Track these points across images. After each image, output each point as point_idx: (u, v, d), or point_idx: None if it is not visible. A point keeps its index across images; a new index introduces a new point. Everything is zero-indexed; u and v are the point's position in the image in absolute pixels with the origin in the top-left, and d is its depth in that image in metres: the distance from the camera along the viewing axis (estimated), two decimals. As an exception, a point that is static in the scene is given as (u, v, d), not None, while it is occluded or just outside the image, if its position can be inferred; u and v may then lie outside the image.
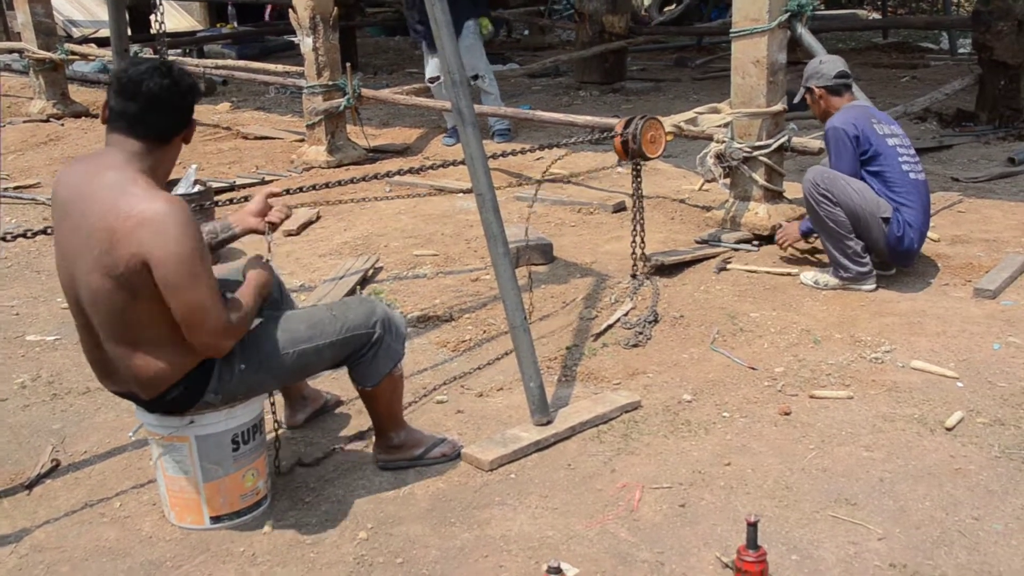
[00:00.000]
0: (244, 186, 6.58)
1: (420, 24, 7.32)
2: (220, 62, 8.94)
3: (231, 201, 4.30)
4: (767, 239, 4.89)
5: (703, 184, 5.90)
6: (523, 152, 4.50)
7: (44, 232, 3.54)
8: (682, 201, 5.80)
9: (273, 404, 3.07)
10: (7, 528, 2.79)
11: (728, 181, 5.10)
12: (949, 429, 3.12)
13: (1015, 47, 7.15)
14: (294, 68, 7.61)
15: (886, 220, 4.12)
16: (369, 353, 2.83)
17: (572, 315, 4.24)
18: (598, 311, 4.26)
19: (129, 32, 6.06)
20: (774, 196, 5.02)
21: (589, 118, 5.84)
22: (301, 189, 4.11)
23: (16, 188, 6.75)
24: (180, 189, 5.08)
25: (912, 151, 4.32)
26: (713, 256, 4.78)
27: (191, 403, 2.61)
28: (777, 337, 3.88)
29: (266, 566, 2.57)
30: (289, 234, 5.50)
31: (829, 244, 4.26)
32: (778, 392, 3.44)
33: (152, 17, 7.36)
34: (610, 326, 4.09)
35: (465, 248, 5.12)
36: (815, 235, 4.46)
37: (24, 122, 8.81)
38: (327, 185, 4.26)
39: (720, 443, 3.11)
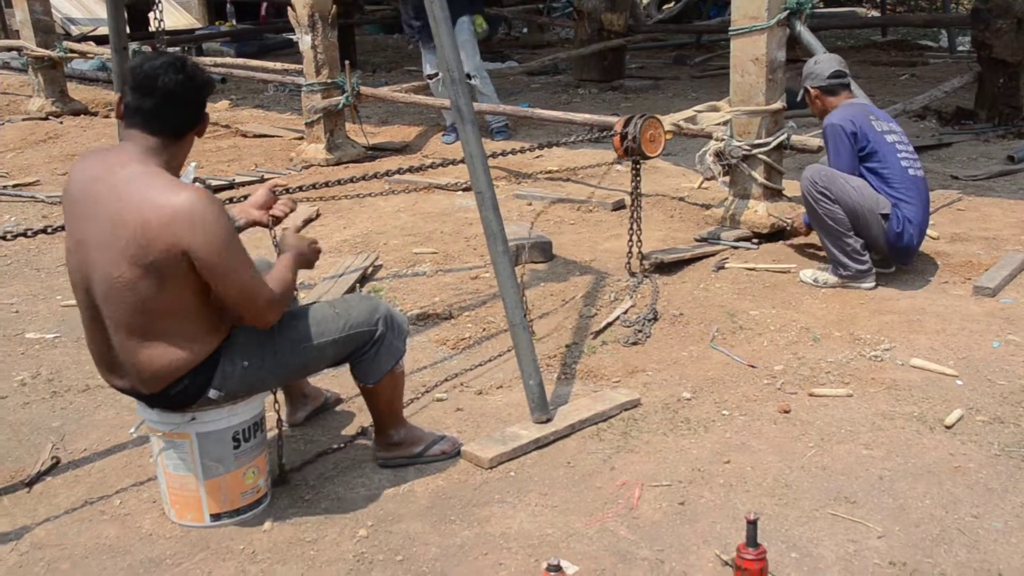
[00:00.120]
0: (243, 184, 6.58)
1: (415, 20, 7.32)
2: (219, 60, 8.93)
3: (230, 200, 4.30)
4: (766, 237, 4.89)
5: (702, 182, 5.90)
6: (522, 151, 4.50)
7: (44, 231, 3.54)
8: (681, 199, 5.80)
9: (277, 403, 3.06)
10: (7, 526, 2.79)
11: (727, 179, 5.10)
12: (948, 427, 3.12)
13: (1014, 45, 7.15)
14: (293, 66, 7.61)
15: (885, 217, 4.13)
16: (371, 350, 2.83)
17: (571, 313, 4.24)
18: (597, 309, 4.26)
19: (128, 30, 6.05)
20: (773, 194, 5.02)
21: (588, 116, 5.85)
22: (300, 187, 4.11)
23: (15, 186, 6.74)
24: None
25: (910, 148, 4.32)
26: (712, 254, 4.78)
27: (194, 399, 2.61)
28: (776, 335, 3.88)
29: (266, 564, 2.57)
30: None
31: (828, 242, 4.26)
32: (777, 390, 3.45)
33: (151, 15, 7.36)
34: (609, 324, 4.09)
35: (464, 246, 5.12)
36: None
37: (23, 120, 8.80)
38: (326, 183, 4.26)
39: (719, 441, 3.11)
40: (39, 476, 3.06)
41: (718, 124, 4.98)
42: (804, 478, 2.87)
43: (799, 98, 4.62)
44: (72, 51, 9.34)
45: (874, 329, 3.86)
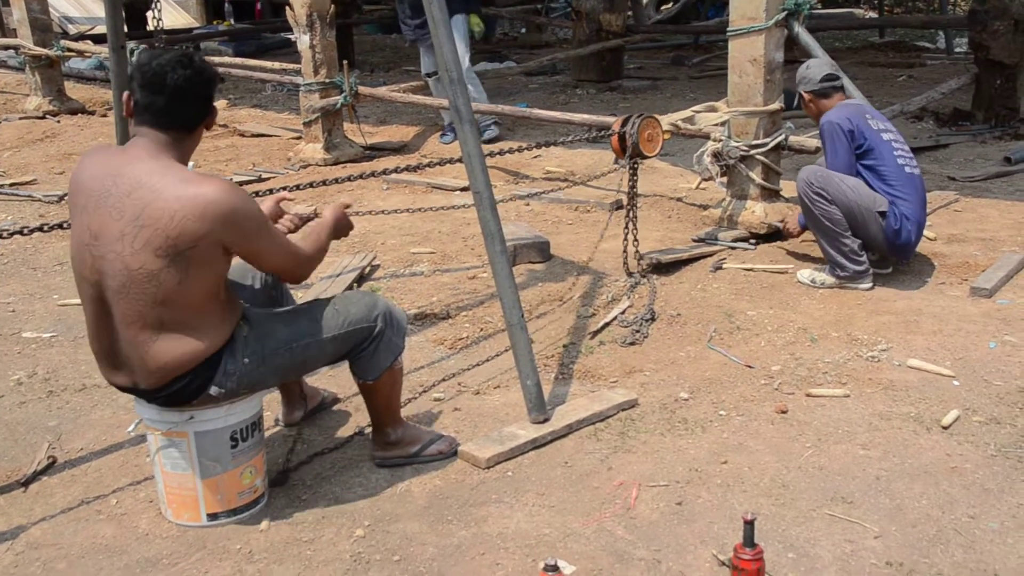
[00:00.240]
0: (241, 184, 6.57)
1: (411, 19, 7.32)
2: (217, 59, 8.91)
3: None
4: (764, 238, 4.89)
5: (700, 182, 5.91)
6: (520, 150, 4.50)
7: (40, 229, 3.53)
8: (679, 199, 5.81)
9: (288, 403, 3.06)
10: (3, 525, 2.79)
11: (725, 180, 5.11)
12: (945, 427, 3.12)
13: (1011, 46, 7.16)
14: (291, 65, 7.60)
15: (883, 214, 4.13)
16: (370, 347, 2.84)
17: (569, 313, 4.24)
18: (595, 309, 4.26)
19: (126, 29, 6.04)
20: (771, 195, 5.03)
21: (586, 116, 5.84)
22: (298, 187, 4.11)
23: (12, 185, 6.73)
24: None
25: (906, 147, 4.34)
26: (710, 254, 4.78)
27: (195, 395, 2.61)
28: (774, 335, 3.88)
29: (263, 563, 2.56)
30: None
31: (825, 243, 4.26)
32: (775, 390, 3.45)
33: (149, 14, 7.35)
34: (607, 324, 4.09)
35: (462, 246, 5.12)
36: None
37: (20, 119, 8.79)
38: (324, 183, 4.26)
39: (717, 441, 3.11)
40: (35, 475, 3.05)
41: (716, 124, 4.98)
42: (801, 478, 2.87)
43: (796, 102, 4.63)
44: (70, 50, 9.33)
45: (871, 330, 3.87)
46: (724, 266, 4.62)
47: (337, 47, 7.12)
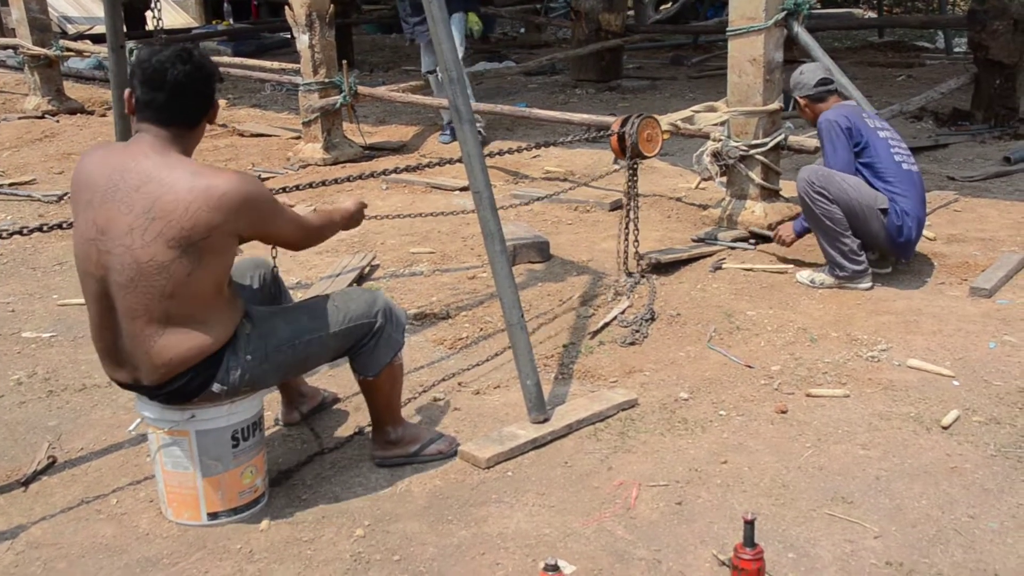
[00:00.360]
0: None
1: (412, 16, 7.32)
2: (216, 59, 8.90)
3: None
4: (763, 238, 4.89)
5: (700, 182, 5.91)
6: (519, 150, 4.50)
7: (40, 229, 3.53)
8: (679, 199, 5.81)
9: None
10: (3, 525, 2.78)
11: (724, 179, 5.11)
12: (945, 428, 3.12)
13: (1011, 46, 7.17)
14: (290, 65, 7.60)
15: (884, 211, 4.14)
16: (371, 343, 2.85)
17: (569, 313, 4.24)
18: (595, 309, 4.27)
19: (124, 29, 6.04)
20: (770, 194, 5.03)
21: (586, 116, 5.85)
22: (298, 187, 4.10)
23: (11, 185, 6.73)
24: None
25: (903, 145, 4.35)
26: (710, 254, 4.79)
27: (196, 393, 2.61)
28: (774, 335, 3.88)
29: (263, 563, 2.56)
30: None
31: (825, 243, 4.26)
32: (775, 390, 3.45)
33: (148, 13, 7.35)
34: (607, 324, 4.09)
35: (462, 246, 5.12)
36: (809, 232, 4.46)
37: (19, 118, 8.78)
38: (323, 183, 4.26)
39: (717, 441, 3.11)
40: (35, 475, 3.05)
41: (715, 124, 4.99)
42: (801, 478, 2.87)
43: (791, 106, 4.63)
44: (68, 49, 9.33)
45: (871, 330, 3.87)
46: (724, 266, 4.62)
47: (336, 47, 7.12)
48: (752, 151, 4.89)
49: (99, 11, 10.03)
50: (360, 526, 2.71)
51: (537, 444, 3.11)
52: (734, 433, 3.16)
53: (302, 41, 6.92)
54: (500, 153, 4.51)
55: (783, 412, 3.28)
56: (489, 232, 3.25)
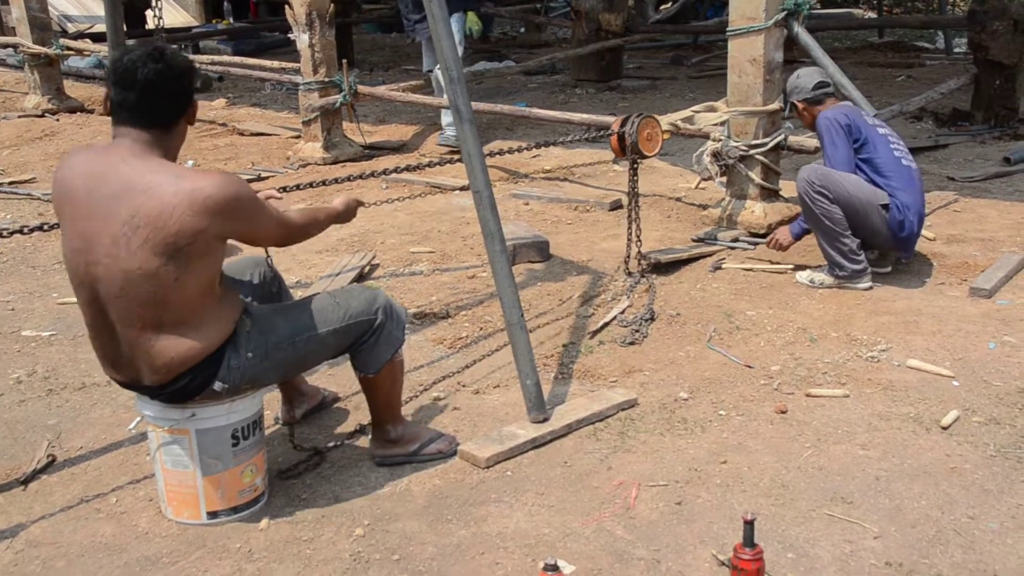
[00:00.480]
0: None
1: (413, 14, 7.31)
2: (216, 58, 8.92)
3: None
4: (763, 237, 4.89)
5: (699, 182, 5.91)
6: (520, 150, 4.50)
7: (40, 228, 3.53)
8: (678, 199, 5.81)
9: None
10: (3, 524, 2.78)
11: (724, 179, 5.11)
12: (945, 428, 3.12)
13: (1010, 47, 7.17)
14: (290, 64, 7.60)
15: (885, 207, 4.14)
16: (371, 339, 2.85)
17: (569, 313, 4.24)
18: (595, 309, 4.27)
19: (124, 27, 6.04)
20: (770, 194, 5.03)
21: (586, 116, 5.85)
22: (298, 186, 4.11)
23: (11, 183, 6.73)
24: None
25: (902, 143, 4.37)
26: (709, 254, 4.79)
27: (197, 392, 2.61)
28: (773, 335, 3.88)
29: (262, 562, 2.56)
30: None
31: (824, 242, 4.26)
32: (774, 390, 3.45)
33: (148, 12, 7.34)
34: (607, 324, 4.09)
35: (462, 245, 5.12)
36: (808, 234, 4.45)
37: (19, 117, 8.78)
38: (323, 182, 4.26)
39: (716, 441, 3.11)
40: (35, 474, 3.05)
41: (715, 124, 4.98)
42: (801, 478, 2.87)
43: (788, 110, 4.63)
44: (69, 48, 9.32)
45: (871, 330, 3.87)
46: (723, 266, 4.62)
47: (336, 46, 7.12)
48: (752, 151, 4.89)
49: (99, 10, 10.03)
50: (359, 525, 2.71)
51: (537, 444, 3.11)
52: (734, 433, 3.16)
53: (302, 40, 6.91)
54: (500, 153, 4.51)
55: (783, 412, 3.28)
56: (489, 232, 3.25)
